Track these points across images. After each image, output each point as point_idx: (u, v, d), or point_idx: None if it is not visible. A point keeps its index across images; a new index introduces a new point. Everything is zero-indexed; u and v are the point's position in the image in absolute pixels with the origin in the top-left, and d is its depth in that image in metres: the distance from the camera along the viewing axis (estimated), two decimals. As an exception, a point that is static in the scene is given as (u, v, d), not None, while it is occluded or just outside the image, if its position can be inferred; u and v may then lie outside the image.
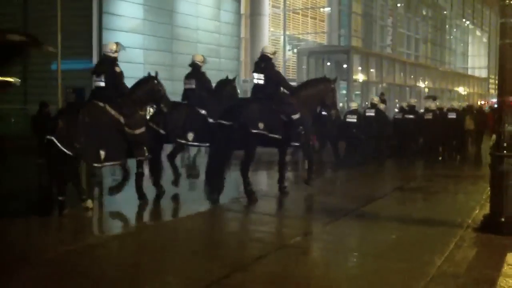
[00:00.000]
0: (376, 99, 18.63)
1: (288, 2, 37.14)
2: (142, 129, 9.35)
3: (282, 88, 10.60)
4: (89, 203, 8.72)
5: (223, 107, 10.29)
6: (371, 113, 17.48)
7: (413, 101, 21.74)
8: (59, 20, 14.99)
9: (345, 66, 29.41)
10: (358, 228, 8.28)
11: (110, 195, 10.71)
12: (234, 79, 11.80)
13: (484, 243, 7.14)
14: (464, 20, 59.61)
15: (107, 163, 8.94)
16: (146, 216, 9.31)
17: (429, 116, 18.44)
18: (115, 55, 9.35)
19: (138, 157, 9.40)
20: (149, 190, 9.77)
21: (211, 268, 5.92)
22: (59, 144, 8.05)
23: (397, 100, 31.12)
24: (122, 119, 9.04)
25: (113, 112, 8.94)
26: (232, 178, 11.06)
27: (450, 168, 16.42)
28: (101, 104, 8.91)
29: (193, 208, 9.23)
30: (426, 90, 38.53)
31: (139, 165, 9.51)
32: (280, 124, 10.12)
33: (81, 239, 7.25)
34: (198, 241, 7.42)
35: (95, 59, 23.00)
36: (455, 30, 58.05)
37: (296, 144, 10.74)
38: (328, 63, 30.82)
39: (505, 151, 7.71)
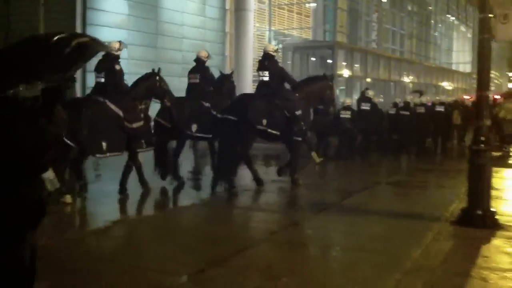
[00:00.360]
0: (371, 93, 18.61)
1: (273, -3, 37.12)
2: (140, 123, 9.73)
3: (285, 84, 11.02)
4: (68, 198, 8.73)
5: (224, 101, 11.04)
6: (366, 107, 17.54)
7: (398, 99, 21.90)
8: (42, 16, 14.89)
9: (329, 61, 29.44)
10: (338, 222, 8.31)
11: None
12: (231, 74, 12.30)
13: (460, 236, 7.24)
14: (448, 15, 59.77)
15: (109, 154, 9.31)
16: (127, 210, 9.34)
17: (421, 110, 18.73)
18: (117, 53, 9.71)
19: (135, 149, 9.77)
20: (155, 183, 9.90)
21: (190, 262, 5.95)
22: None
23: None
24: (121, 113, 9.41)
25: (112, 106, 9.32)
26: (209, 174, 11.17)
27: (432, 162, 16.57)
28: (101, 99, 9.33)
29: (178, 203, 9.31)
30: (411, 85, 38.66)
31: (130, 158, 9.79)
32: (282, 120, 10.53)
33: (59, 233, 7.22)
34: (179, 235, 7.45)
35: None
36: (440, 25, 58.21)
37: (299, 139, 10.98)
38: (313, 59, 30.83)
39: (482, 145, 7.81)
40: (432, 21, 55.33)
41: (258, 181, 10.75)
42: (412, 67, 40.70)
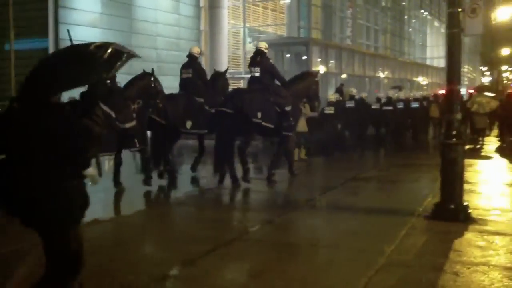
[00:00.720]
0: (354, 91, 19.55)
1: (248, -6, 37.01)
2: (133, 123, 9.88)
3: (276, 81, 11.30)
4: None
5: (218, 96, 11.37)
6: (350, 104, 18.23)
7: (380, 95, 22.20)
8: (11, 14, 14.62)
9: (304, 58, 29.48)
10: (312, 219, 8.30)
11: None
12: (226, 72, 12.65)
13: (433, 231, 7.23)
14: (422, 11, 60.31)
15: (100, 154, 9.25)
16: (102, 211, 9.19)
17: (400, 105, 19.25)
18: None
19: (129, 148, 10.19)
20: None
21: (164, 262, 5.88)
22: None
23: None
24: (113, 114, 9.49)
25: (104, 107, 9.27)
26: (188, 173, 11.06)
27: (409, 157, 16.63)
28: None
29: (153, 202, 9.23)
30: (386, 80, 38.93)
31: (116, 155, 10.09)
32: (274, 114, 10.83)
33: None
34: (153, 235, 7.36)
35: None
36: (413, 21, 58.72)
37: (288, 134, 11.26)
38: (288, 55, 30.85)
39: (454, 139, 7.84)
40: (406, 17, 55.70)
41: (235, 179, 10.74)
42: (386, 63, 40.97)
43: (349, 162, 15.74)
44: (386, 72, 39.79)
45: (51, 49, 23.49)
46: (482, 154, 17.69)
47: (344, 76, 31.96)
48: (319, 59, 30.20)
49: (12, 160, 3.58)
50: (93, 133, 3.58)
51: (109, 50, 3.72)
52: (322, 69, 29.31)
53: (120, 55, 3.83)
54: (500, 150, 18.09)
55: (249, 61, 11.47)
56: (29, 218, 3.63)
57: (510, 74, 58.97)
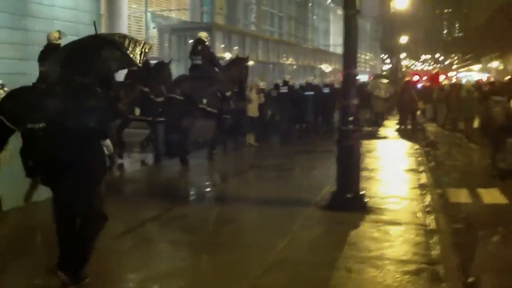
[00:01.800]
0: (288, 77, 18.98)
1: (149, -22, 35.83)
2: None
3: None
4: None
5: (161, 86, 11.59)
6: (284, 89, 17.89)
7: (278, 81, 21.93)
8: None
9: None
10: (200, 212, 7.61)
11: None
12: (170, 63, 12.65)
13: (329, 222, 6.92)
14: (325, -2, 61.26)
15: None
16: None
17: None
18: (58, 42, 9.74)
19: None
20: None
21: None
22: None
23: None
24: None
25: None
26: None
27: (313, 144, 16.34)
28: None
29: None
30: (290, 67, 39.06)
31: None
32: (217, 100, 11.74)
33: None
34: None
35: None
36: (317, 8, 59.44)
37: (227, 117, 12.28)
38: (191, 41, 30.08)
39: (351, 126, 7.54)
40: (310, 4, 56.25)
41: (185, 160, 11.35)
42: (290, 49, 41.09)
43: (259, 150, 15.04)
44: (290, 59, 39.91)
45: None
46: (380, 136, 18.25)
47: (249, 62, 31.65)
48: (222, 45, 29.71)
49: (51, 128, 4.53)
50: (119, 111, 4.81)
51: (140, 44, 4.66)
52: (225, 55, 28.87)
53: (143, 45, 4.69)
54: (399, 132, 19.28)
55: (190, 50, 12.29)
56: (63, 180, 4.31)
57: (408, 61, 61.05)
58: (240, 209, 7.70)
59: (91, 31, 4.88)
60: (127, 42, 4.60)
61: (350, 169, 7.53)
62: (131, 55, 4.58)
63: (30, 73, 11.19)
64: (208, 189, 9.33)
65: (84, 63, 4.49)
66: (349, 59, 7.66)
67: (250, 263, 5.26)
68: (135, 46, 4.63)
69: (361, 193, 7.62)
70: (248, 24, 40.06)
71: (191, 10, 35.76)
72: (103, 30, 33.14)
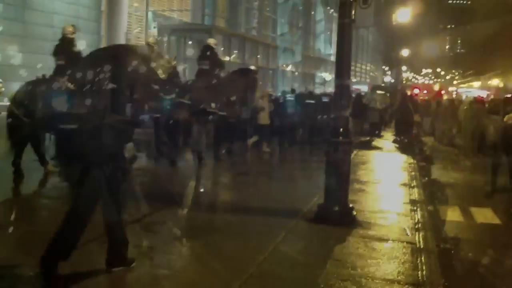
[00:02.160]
0: (296, 85, 19.16)
1: (153, -23, 35.68)
2: None
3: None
4: None
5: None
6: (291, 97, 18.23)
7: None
8: None
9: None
10: (181, 221, 7.30)
11: None
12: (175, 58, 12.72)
13: (314, 236, 6.69)
14: (328, 8, 60.99)
15: None
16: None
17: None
18: (72, 36, 10.03)
19: None
20: None
21: None
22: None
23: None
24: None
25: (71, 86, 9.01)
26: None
27: (307, 153, 16.08)
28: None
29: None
30: (289, 74, 38.90)
31: None
32: (223, 104, 11.83)
33: None
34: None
35: None
36: (320, 17, 59.27)
37: (232, 120, 12.41)
38: (190, 42, 29.95)
39: (341, 137, 7.33)
40: (313, 12, 56.14)
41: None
42: (290, 56, 40.97)
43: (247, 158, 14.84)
44: (290, 66, 39.77)
45: None
46: (375, 146, 18.29)
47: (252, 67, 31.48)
48: (221, 48, 29.49)
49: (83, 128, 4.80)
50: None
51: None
52: (223, 58, 28.65)
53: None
54: (395, 144, 19.22)
55: (198, 55, 12.74)
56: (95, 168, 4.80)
57: (409, 74, 61.06)
58: (224, 217, 7.46)
59: (91, 27, 4.87)
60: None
61: (339, 181, 7.30)
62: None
63: (29, 65, 11.05)
64: (195, 195, 9.10)
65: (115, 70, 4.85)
66: (342, 69, 7.44)
67: (228, 276, 5.02)
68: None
69: (349, 206, 7.40)
70: (250, 29, 39.91)
71: (192, 11, 35.55)
72: (103, 26, 33.04)
